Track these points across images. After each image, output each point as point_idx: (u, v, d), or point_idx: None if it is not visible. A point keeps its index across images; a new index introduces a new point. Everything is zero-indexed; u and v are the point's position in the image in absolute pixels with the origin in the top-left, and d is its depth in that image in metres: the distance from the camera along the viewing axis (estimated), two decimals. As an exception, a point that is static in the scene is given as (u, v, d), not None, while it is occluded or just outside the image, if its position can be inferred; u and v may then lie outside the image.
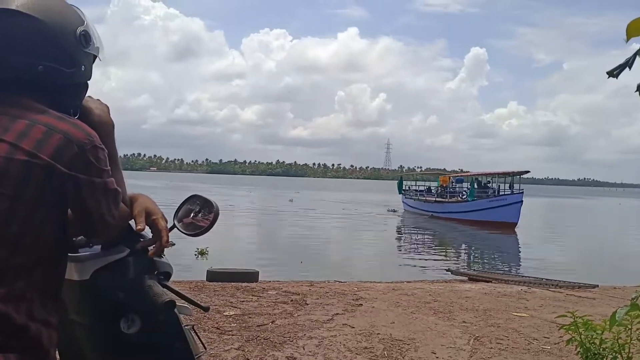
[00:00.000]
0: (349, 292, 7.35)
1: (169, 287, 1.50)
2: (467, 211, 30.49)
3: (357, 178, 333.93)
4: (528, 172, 32.96)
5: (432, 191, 38.69)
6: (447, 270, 12.35)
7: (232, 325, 5.20)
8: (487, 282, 9.73)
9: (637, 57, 1.51)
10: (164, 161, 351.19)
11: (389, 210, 38.52)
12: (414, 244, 22.17)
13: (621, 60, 1.54)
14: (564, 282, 9.68)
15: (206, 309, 1.63)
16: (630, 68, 1.52)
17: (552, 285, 9.27)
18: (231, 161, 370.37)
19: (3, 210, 1.12)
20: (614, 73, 1.54)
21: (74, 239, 1.43)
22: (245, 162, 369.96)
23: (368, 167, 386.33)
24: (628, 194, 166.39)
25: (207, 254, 13.38)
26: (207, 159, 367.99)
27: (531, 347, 4.95)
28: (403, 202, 40.82)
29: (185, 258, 12.22)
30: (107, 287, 1.40)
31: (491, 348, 4.87)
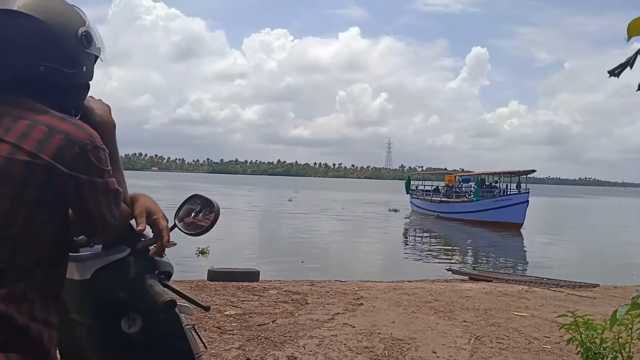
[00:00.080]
0: (350, 291, 7.36)
1: (169, 286, 1.50)
2: (472, 211, 29.98)
3: (358, 178, 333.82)
4: (534, 171, 32.19)
5: (440, 191, 37.99)
6: (447, 270, 12.35)
7: (233, 324, 5.20)
8: (488, 281, 9.74)
9: (638, 56, 1.51)
10: (165, 161, 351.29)
11: (390, 210, 38.43)
12: (415, 244, 22.18)
13: (622, 60, 1.55)
14: (565, 281, 9.68)
15: (207, 309, 1.63)
16: (631, 67, 1.52)
17: (553, 284, 9.27)
18: (232, 161, 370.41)
19: (4, 211, 1.12)
20: (615, 72, 1.54)
21: (75, 238, 1.44)
22: (246, 161, 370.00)
23: (369, 166, 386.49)
24: (629, 193, 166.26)
25: (208, 253, 13.39)
26: (208, 159, 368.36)
27: (532, 346, 4.95)
28: (410, 202, 40.16)
29: (186, 258, 12.23)
30: (108, 287, 1.41)
31: (492, 347, 4.87)
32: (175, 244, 1.53)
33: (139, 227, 1.39)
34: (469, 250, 19.70)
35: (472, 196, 32.59)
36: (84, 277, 1.40)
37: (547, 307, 6.83)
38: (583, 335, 3.23)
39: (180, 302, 1.51)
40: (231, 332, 4.94)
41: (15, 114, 1.19)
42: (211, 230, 1.55)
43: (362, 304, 6.47)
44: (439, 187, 38.99)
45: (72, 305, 1.43)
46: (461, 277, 10.97)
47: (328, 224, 26.64)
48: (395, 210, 37.92)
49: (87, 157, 1.20)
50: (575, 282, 9.56)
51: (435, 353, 4.65)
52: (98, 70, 1.39)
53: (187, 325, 1.55)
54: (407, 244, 21.83)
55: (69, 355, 1.54)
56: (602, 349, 3.16)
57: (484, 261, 16.78)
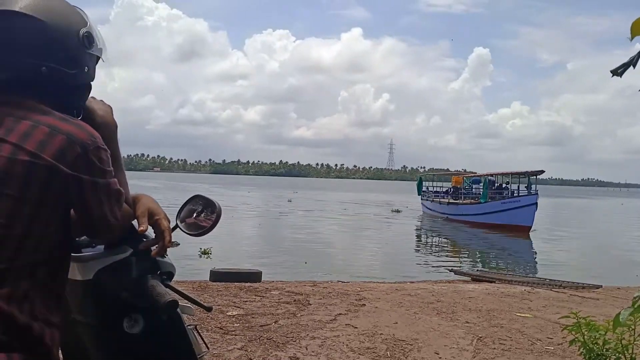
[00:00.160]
0: (352, 292, 7.35)
1: (171, 287, 1.50)
2: (480, 214, 28.88)
3: (360, 178, 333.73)
4: (543, 171, 30.58)
5: (448, 192, 36.85)
6: (450, 271, 12.33)
7: (235, 325, 5.20)
8: (491, 282, 9.72)
9: (642, 56, 1.50)
10: (167, 161, 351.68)
11: (392, 211, 38.32)
12: (417, 245, 22.14)
13: (625, 60, 1.54)
14: (568, 282, 9.66)
15: (209, 309, 1.63)
16: (634, 67, 1.51)
17: (556, 285, 9.25)
18: (234, 161, 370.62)
19: (6, 211, 1.12)
20: (618, 72, 1.53)
21: (77, 239, 1.44)
22: (248, 162, 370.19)
23: (371, 167, 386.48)
24: (632, 194, 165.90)
25: (210, 254, 13.40)
26: (210, 159, 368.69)
27: (534, 347, 4.94)
28: (422, 203, 39.06)
29: (188, 258, 12.24)
30: (110, 287, 1.41)
31: (494, 348, 4.86)
32: (179, 244, 1.53)
33: (141, 228, 1.39)
34: (471, 253, 19.68)
35: (479, 198, 31.51)
36: (86, 278, 1.40)
37: (549, 308, 6.82)
38: (586, 337, 3.22)
39: (183, 302, 1.51)
40: (233, 332, 4.95)
41: (17, 115, 1.19)
42: (213, 230, 1.55)
43: (365, 304, 6.47)
44: (451, 189, 37.57)
45: (74, 305, 1.43)
46: (464, 278, 10.95)
47: (329, 225, 26.63)
48: (398, 211, 37.82)
49: (89, 158, 1.20)
50: (578, 283, 9.54)
51: (438, 354, 4.65)
52: (100, 71, 1.39)
53: (189, 325, 1.55)
54: (410, 245, 21.77)
55: (72, 355, 1.54)
56: (604, 350, 3.15)
57: (486, 263, 16.74)
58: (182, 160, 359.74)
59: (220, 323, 5.21)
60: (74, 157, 1.18)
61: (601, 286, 9.37)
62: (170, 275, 1.53)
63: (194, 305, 1.60)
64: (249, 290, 6.99)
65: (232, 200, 41.54)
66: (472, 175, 38.53)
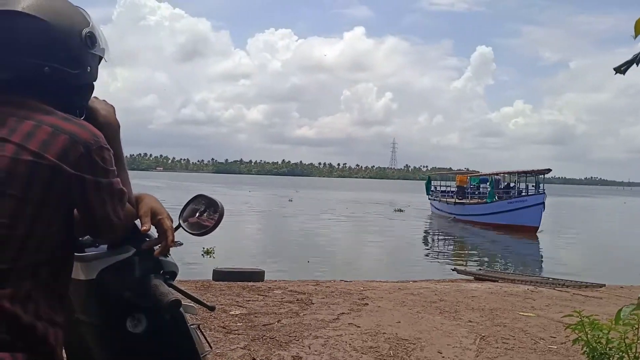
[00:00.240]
0: (355, 291, 7.35)
1: (174, 286, 1.50)
2: (486, 214, 28.06)
3: (363, 177, 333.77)
4: (550, 170, 29.57)
5: (461, 192, 35.40)
6: (453, 270, 12.32)
7: (238, 324, 5.21)
8: (494, 281, 9.71)
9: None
10: (170, 161, 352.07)
11: (395, 210, 38.25)
12: (420, 245, 22.12)
13: (628, 58, 1.54)
14: (571, 281, 9.65)
15: (212, 309, 1.64)
16: (638, 65, 1.51)
17: (559, 284, 9.23)
18: (237, 161, 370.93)
19: (10, 211, 1.12)
20: (621, 69, 1.53)
21: (80, 238, 1.44)
22: (251, 161, 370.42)
23: (374, 166, 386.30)
24: (635, 193, 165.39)
25: (213, 253, 13.41)
26: (213, 159, 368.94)
27: (537, 346, 4.93)
28: (430, 203, 38.17)
29: (191, 257, 12.26)
30: (113, 287, 1.41)
31: (497, 348, 4.86)
32: (182, 244, 1.53)
33: (144, 227, 1.39)
34: (474, 252, 19.65)
35: (486, 198, 30.54)
36: (89, 277, 1.41)
37: (553, 307, 6.81)
38: (589, 336, 3.21)
39: (186, 302, 1.52)
40: (236, 332, 4.95)
41: (19, 115, 1.20)
42: (215, 230, 1.55)
43: (367, 304, 6.47)
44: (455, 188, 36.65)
45: (78, 305, 1.44)
46: (466, 277, 10.94)
47: (331, 224, 26.61)
48: (401, 210, 37.75)
49: (92, 158, 1.20)
50: (581, 282, 9.52)
51: (441, 353, 4.64)
52: (103, 70, 1.40)
53: (192, 325, 1.56)
54: (412, 245, 21.73)
55: (75, 354, 1.54)
56: (608, 349, 3.15)
57: (489, 262, 16.72)
58: (184, 159, 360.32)
59: (223, 322, 5.22)
60: (77, 156, 1.18)
61: (604, 285, 9.35)
62: (173, 274, 1.54)
63: (197, 305, 1.60)
64: (251, 290, 7.00)
65: (232, 199, 41.40)
66: (479, 174, 37.30)
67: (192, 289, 6.26)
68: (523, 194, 28.93)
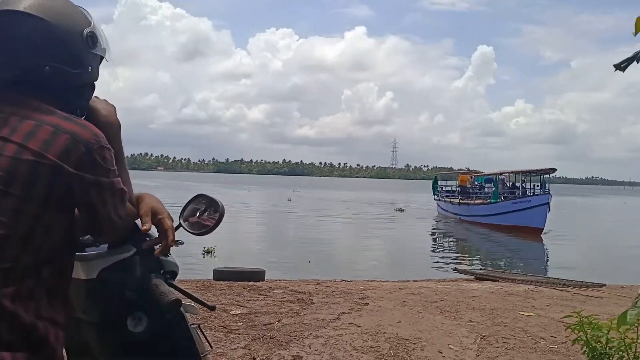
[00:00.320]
0: (355, 291, 7.36)
1: (175, 286, 1.51)
2: (490, 214, 27.53)
3: (364, 177, 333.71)
4: (555, 170, 29.15)
5: (463, 192, 34.56)
6: (453, 269, 12.33)
7: (239, 324, 5.21)
8: (494, 281, 9.71)
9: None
10: (170, 160, 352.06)
11: (396, 210, 38.24)
12: (420, 243, 22.10)
13: (629, 55, 1.54)
14: (572, 281, 9.63)
15: (212, 308, 1.64)
16: (638, 62, 1.51)
17: (560, 284, 9.23)
18: (238, 160, 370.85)
19: (11, 210, 1.13)
20: (621, 66, 1.53)
21: (81, 238, 1.44)
22: (251, 161, 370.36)
23: (374, 166, 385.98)
24: (636, 192, 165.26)
25: (213, 252, 13.42)
26: (214, 159, 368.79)
27: (538, 346, 4.93)
28: (437, 204, 37.52)
29: (192, 257, 12.26)
30: (113, 286, 1.42)
31: (498, 347, 4.86)
32: (183, 243, 1.54)
33: (144, 227, 1.39)
34: (475, 251, 19.65)
35: (490, 198, 29.99)
36: (90, 277, 1.41)
37: (553, 306, 6.81)
38: (589, 335, 3.22)
39: (186, 301, 1.52)
40: (237, 331, 4.95)
41: (21, 114, 1.20)
42: (216, 229, 1.56)
43: (368, 303, 6.47)
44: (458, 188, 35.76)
45: (78, 304, 1.44)
46: (467, 276, 10.94)
47: (332, 224, 26.61)
48: (401, 210, 37.75)
49: (93, 157, 1.21)
50: (582, 282, 9.51)
51: (441, 353, 4.64)
52: (104, 70, 1.40)
53: (193, 324, 1.56)
54: (413, 244, 21.72)
55: (76, 354, 1.55)
56: (607, 348, 3.15)
57: (490, 262, 16.71)
58: (185, 159, 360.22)
59: (223, 322, 5.22)
60: (78, 156, 1.18)
61: (605, 285, 9.34)
62: (174, 274, 1.54)
63: (198, 304, 1.60)
64: (252, 289, 7.00)
65: (230, 199, 41.14)
66: (485, 174, 36.61)
67: (193, 289, 6.26)
68: (529, 193, 28.32)
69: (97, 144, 1.22)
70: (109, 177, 1.25)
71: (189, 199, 1.65)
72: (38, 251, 1.16)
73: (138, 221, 1.42)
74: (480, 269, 13.19)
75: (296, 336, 4.88)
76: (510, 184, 31.46)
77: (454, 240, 23.60)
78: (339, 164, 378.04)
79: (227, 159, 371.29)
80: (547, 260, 17.32)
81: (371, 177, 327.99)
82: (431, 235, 25.82)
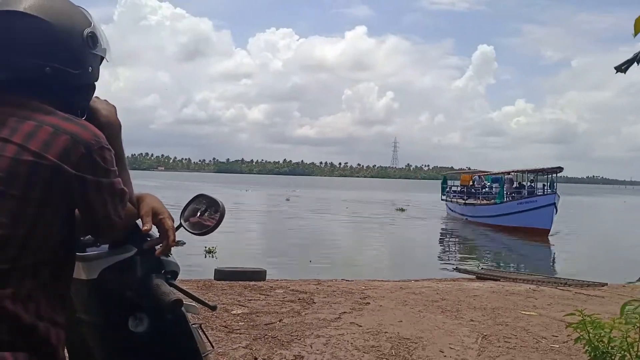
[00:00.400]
0: (357, 290, 7.35)
1: (176, 286, 1.50)
2: (495, 215, 26.82)
3: (364, 176, 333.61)
4: (561, 169, 28.40)
5: (472, 192, 33.57)
6: (454, 269, 12.32)
7: (240, 323, 5.21)
8: (495, 280, 9.70)
9: (646, 52, 1.50)
10: (171, 160, 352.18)
11: (397, 209, 38.20)
12: (420, 243, 22.08)
13: (629, 56, 1.54)
14: (573, 280, 9.63)
15: (214, 308, 1.64)
16: (638, 63, 1.51)
17: (561, 283, 9.22)
18: (238, 160, 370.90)
19: (11, 211, 1.13)
20: (622, 68, 1.53)
21: (81, 238, 1.44)
22: (252, 161, 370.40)
23: (375, 165, 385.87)
24: (637, 191, 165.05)
25: (215, 252, 13.42)
26: (214, 159, 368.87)
27: (539, 345, 4.93)
28: (445, 204, 36.37)
29: (193, 257, 12.26)
30: (114, 287, 1.41)
31: (499, 347, 4.85)
32: (184, 243, 1.53)
33: (145, 227, 1.39)
34: (476, 249, 19.63)
35: (495, 197, 29.16)
36: (90, 277, 1.41)
37: (555, 306, 6.80)
38: (591, 335, 3.21)
39: (187, 301, 1.52)
40: (238, 331, 4.95)
41: (21, 115, 1.20)
42: (216, 229, 1.56)
43: (369, 303, 6.47)
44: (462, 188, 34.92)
45: (79, 304, 1.44)
46: (468, 276, 10.93)
47: (333, 224, 26.61)
48: (402, 210, 37.72)
49: (93, 158, 1.20)
50: (583, 281, 9.51)
51: (443, 352, 4.64)
52: (104, 70, 1.40)
53: (194, 324, 1.56)
54: (413, 244, 21.70)
55: (77, 354, 1.55)
56: (610, 348, 3.14)
57: (492, 259, 16.70)
58: (186, 159, 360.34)
59: (225, 322, 5.22)
60: (78, 157, 1.18)
61: (606, 284, 9.34)
62: (175, 274, 1.54)
63: (199, 304, 1.60)
64: (253, 289, 7.00)
65: (229, 199, 40.84)
66: (491, 173, 35.38)
67: (194, 289, 6.27)
68: (538, 193, 27.53)
69: (97, 144, 1.22)
70: (109, 177, 1.25)
71: (190, 199, 1.65)
72: (38, 252, 1.16)
73: (139, 221, 1.41)
74: (481, 267, 13.18)
75: (297, 336, 4.88)
76: (518, 183, 30.52)
77: (456, 240, 23.57)
78: (340, 163, 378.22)
79: (228, 159, 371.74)
80: (548, 259, 17.33)
81: (372, 177, 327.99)
82: (432, 235, 25.79)
